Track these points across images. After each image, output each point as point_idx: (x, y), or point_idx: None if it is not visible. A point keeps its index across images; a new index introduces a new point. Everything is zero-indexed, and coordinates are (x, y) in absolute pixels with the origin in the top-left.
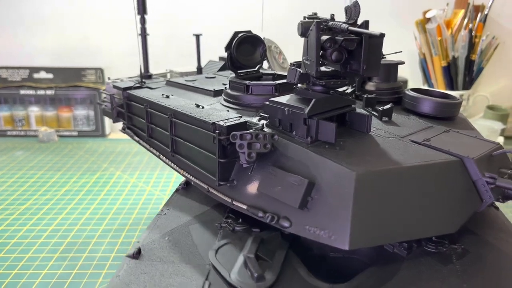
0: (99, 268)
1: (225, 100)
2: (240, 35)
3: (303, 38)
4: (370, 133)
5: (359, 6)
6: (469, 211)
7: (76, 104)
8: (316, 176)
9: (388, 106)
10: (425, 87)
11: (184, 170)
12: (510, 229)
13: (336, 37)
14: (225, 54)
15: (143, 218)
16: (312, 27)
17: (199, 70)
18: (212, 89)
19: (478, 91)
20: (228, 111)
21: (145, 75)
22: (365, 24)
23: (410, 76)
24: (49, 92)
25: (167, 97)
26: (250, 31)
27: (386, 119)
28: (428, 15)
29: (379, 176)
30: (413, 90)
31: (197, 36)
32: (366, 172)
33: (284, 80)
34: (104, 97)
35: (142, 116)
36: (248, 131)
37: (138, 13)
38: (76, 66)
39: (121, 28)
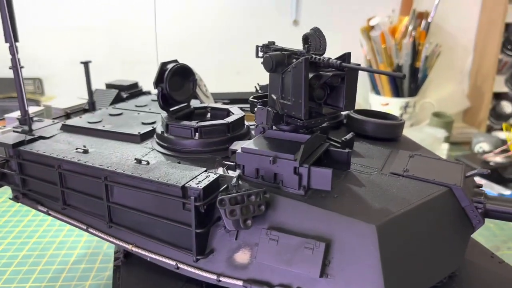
0: None
1: (165, 147)
2: (169, 66)
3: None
4: (349, 170)
5: (324, 36)
6: (467, 238)
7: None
8: (329, 235)
9: (349, 135)
10: (372, 94)
11: (132, 244)
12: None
13: (321, 73)
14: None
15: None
16: (298, 64)
17: (92, 104)
18: (137, 133)
19: (425, 97)
20: (179, 162)
21: (22, 119)
22: (348, 57)
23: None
24: None
25: (85, 152)
26: (177, 60)
27: (349, 150)
28: (371, 23)
29: (395, 223)
30: (357, 112)
31: (86, 64)
32: (384, 222)
33: (234, 117)
34: None
35: (49, 179)
36: (237, 192)
37: (6, 41)
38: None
39: (60, 37)
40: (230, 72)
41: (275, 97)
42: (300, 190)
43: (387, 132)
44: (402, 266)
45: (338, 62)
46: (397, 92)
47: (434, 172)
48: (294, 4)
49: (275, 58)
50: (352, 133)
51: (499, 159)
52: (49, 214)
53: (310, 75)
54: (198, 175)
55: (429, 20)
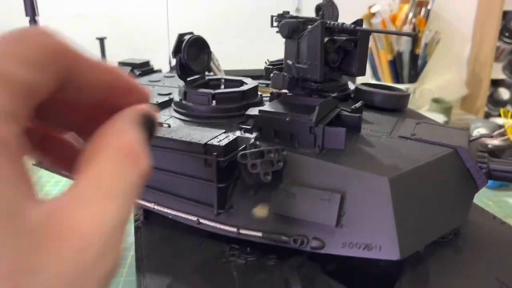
0: None
1: (183, 114)
2: (187, 37)
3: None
4: (360, 134)
5: (336, 6)
6: (471, 196)
7: None
8: (343, 188)
9: (358, 104)
10: (373, 80)
11: (154, 203)
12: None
13: (336, 37)
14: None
15: None
16: (314, 28)
17: None
18: (156, 102)
19: (424, 84)
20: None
21: None
22: (360, 23)
23: None
24: None
25: None
26: (192, 33)
27: (359, 114)
28: (372, 10)
29: (407, 177)
30: (364, 85)
31: (101, 40)
32: (396, 175)
33: (248, 86)
34: None
35: None
36: (258, 148)
37: (27, 15)
38: None
39: (66, 26)
40: (233, 59)
41: (290, 62)
42: (316, 148)
43: (393, 102)
44: (413, 217)
45: (353, 26)
46: (397, 78)
47: (440, 136)
48: None
49: (291, 25)
50: (361, 101)
51: (496, 142)
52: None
53: (325, 39)
54: (218, 135)
55: (429, 7)
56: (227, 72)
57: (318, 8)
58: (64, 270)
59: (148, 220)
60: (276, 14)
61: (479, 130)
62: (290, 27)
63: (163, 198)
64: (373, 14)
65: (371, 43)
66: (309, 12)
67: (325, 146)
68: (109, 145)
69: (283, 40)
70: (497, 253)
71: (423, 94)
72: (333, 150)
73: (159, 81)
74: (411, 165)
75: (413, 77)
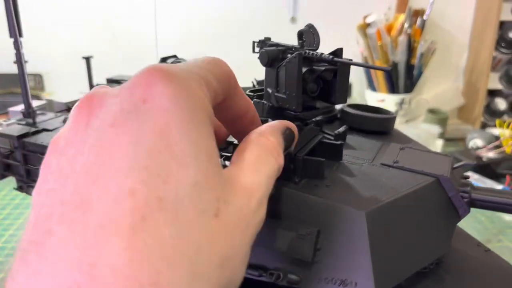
0: None
1: None
2: (169, 61)
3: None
4: (341, 161)
5: (317, 33)
6: (453, 226)
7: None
8: (320, 222)
9: (342, 128)
10: (369, 90)
11: None
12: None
13: (314, 67)
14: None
15: None
16: (292, 59)
17: None
18: None
19: (421, 94)
20: None
21: (26, 112)
22: (340, 52)
23: (354, 79)
24: None
25: None
26: (176, 56)
27: (342, 142)
28: (368, 20)
29: (385, 210)
30: (350, 107)
31: (87, 59)
32: (374, 209)
33: None
34: None
35: None
36: None
37: (11, 36)
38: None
39: (60, 32)
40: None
41: (270, 91)
42: (294, 179)
43: (379, 125)
44: (391, 251)
45: (330, 57)
46: (393, 88)
47: (423, 164)
48: (292, 1)
49: (271, 53)
50: (344, 126)
51: (491, 154)
52: None
53: (304, 69)
54: None
55: (424, 17)
56: None
57: (300, 34)
58: (241, 207)
59: None
60: (258, 40)
61: (475, 141)
62: (269, 56)
63: None
64: (368, 24)
65: (367, 53)
66: (304, 21)
67: (304, 176)
68: (260, 141)
69: None
70: (481, 283)
71: (419, 104)
72: (312, 181)
73: None
74: (390, 197)
75: (409, 87)
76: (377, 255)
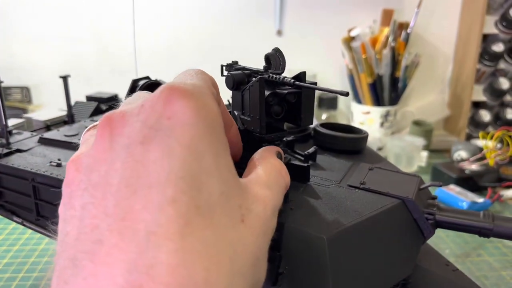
0: None
1: None
2: (142, 83)
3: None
4: (309, 182)
5: (284, 56)
6: (418, 248)
7: None
8: (283, 246)
9: (311, 149)
10: (354, 103)
11: None
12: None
13: (277, 91)
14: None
15: None
16: (255, 83)
17: (71, 117)
18: None
19: (406, 105)
20: None
21: (1, 132)
22: (303, 76)
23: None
24: None
25: (58, 165)
26: (148, 77)
27: (312, 162)
28: (352, 34)
29: (348, 234)
30: (323, 126)
31: (65, 78)
32: (336, 233)
33: None
34: None
35: (24, 192)
36: None
37: None
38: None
39: (48, 46)
40: None
41: (236, 113)
42: None
43: (350, 145)
44: (354, 275)
45: (292, 80)
46: (378, 101)
47: (390, 184)
48: (278, 15)
49: (236, 77)
50: (314, 146)
51: (474, 167)
52: (24, 225)
53: (267, 93)
54: None
55: (408, 31)
56: None
57: (267, 58)
58: (259, 214)
59: None
60: (226, 64)
61: (459, 153)
62: (235, 79)
63: None
64: (353, 38)
65: (352, 66)
66: (290, 34)
67: None
68: (270, 161)
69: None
70: None
71: (405, 116)
72: None
73: None
74: (353, 220)
75: (394, 100)
76: (338, 279)
